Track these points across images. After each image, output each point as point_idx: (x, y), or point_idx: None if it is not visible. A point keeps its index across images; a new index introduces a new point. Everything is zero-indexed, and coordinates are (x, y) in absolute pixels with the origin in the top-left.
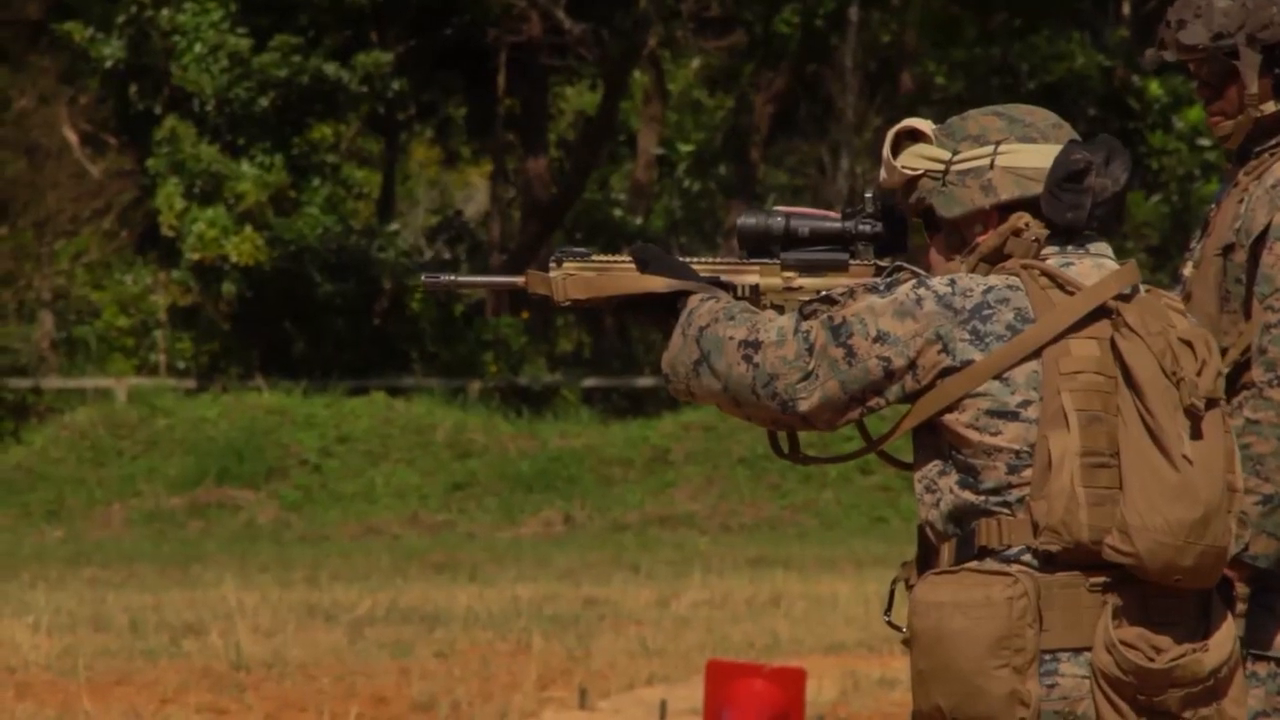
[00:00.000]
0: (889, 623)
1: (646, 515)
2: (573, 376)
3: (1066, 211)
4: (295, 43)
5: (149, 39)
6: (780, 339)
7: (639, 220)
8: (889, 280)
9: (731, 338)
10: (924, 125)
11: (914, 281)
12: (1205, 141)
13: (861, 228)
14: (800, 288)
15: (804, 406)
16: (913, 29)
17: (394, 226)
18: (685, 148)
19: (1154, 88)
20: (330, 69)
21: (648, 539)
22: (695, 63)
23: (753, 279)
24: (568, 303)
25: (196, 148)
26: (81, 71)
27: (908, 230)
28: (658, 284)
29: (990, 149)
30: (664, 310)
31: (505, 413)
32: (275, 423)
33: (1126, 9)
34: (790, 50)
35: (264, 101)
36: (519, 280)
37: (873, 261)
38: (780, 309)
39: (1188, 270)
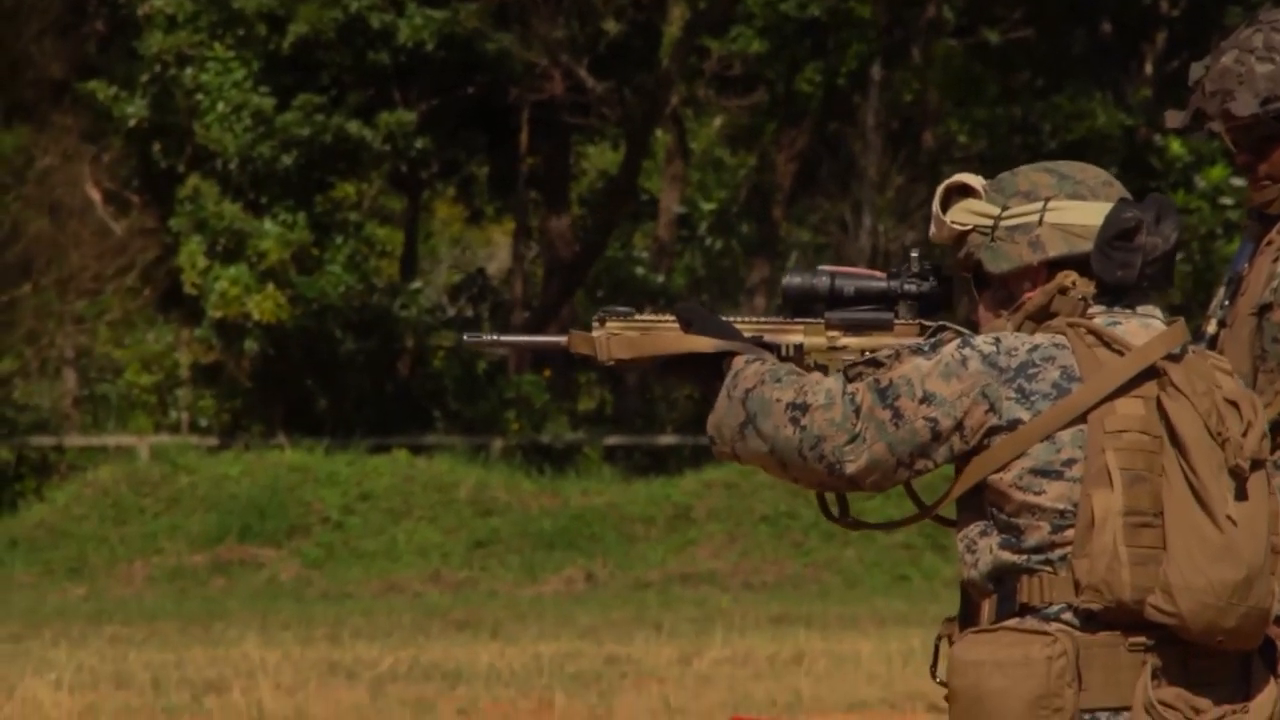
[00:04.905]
0: (937, 680)
1: (668, 573)
2: (595, 434)
3: (1117, 270)
4: (318, 102)
5: (172, 98)
6: (828, 401)
7: (661, 278)
8: (933, 340)
9: (779, 400)
10: (974, 180)
11: (958, 341)
12: (1227, 200)
13: (907, 287)
14: (845, 347)
15: (851, 469)
16: (935, 88)
17: (416, 284)
18: (707, 206)
19: (1175, 146)
20: (353, 128)
21: (670, 597)
22: (717, 121)
23: (797, 338)
24: (612, 362)
25: (219, 206)
26: (105, 130)
27: (953, 290)
28: (703, 344)
29: (1039, 205)
30: (708, 371)
31: (527, 470)
32: (297, 480)
33: (1149, 68)
34: (812, 109)
35: (287, 160)
36: (562, 340)
37: (917, 321)
38: (824, 369)
39: (1211, 328)
